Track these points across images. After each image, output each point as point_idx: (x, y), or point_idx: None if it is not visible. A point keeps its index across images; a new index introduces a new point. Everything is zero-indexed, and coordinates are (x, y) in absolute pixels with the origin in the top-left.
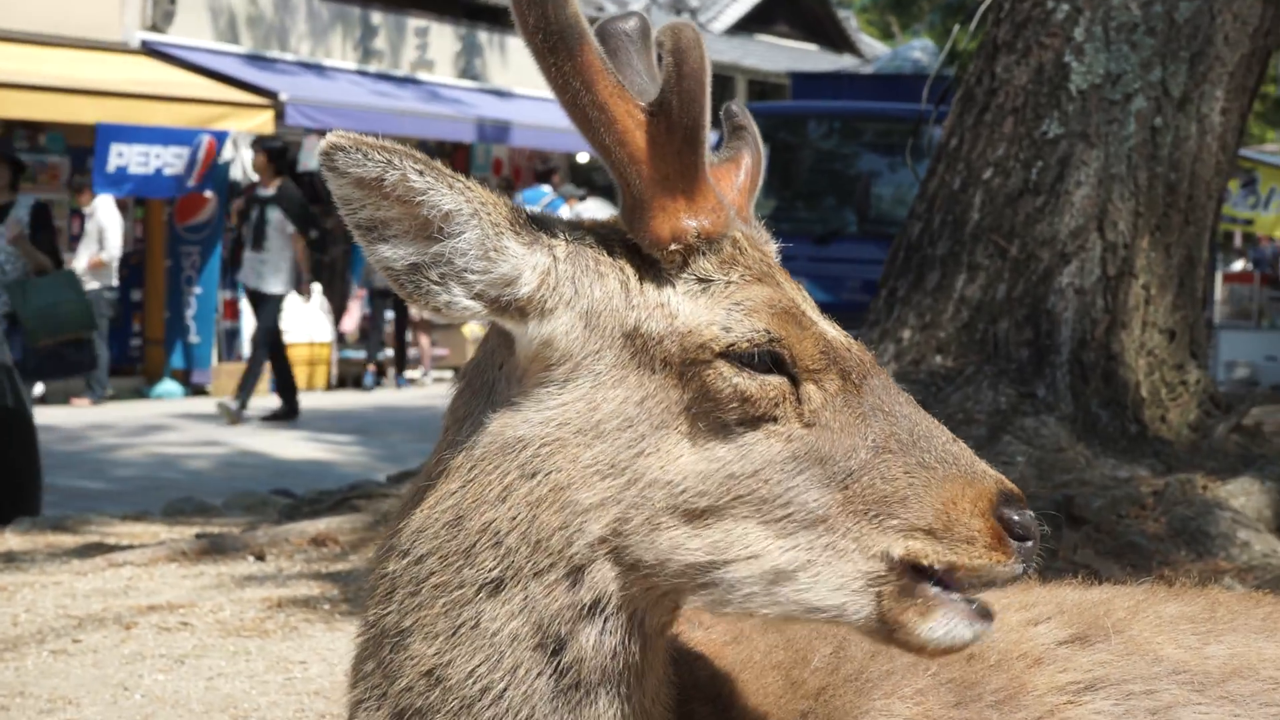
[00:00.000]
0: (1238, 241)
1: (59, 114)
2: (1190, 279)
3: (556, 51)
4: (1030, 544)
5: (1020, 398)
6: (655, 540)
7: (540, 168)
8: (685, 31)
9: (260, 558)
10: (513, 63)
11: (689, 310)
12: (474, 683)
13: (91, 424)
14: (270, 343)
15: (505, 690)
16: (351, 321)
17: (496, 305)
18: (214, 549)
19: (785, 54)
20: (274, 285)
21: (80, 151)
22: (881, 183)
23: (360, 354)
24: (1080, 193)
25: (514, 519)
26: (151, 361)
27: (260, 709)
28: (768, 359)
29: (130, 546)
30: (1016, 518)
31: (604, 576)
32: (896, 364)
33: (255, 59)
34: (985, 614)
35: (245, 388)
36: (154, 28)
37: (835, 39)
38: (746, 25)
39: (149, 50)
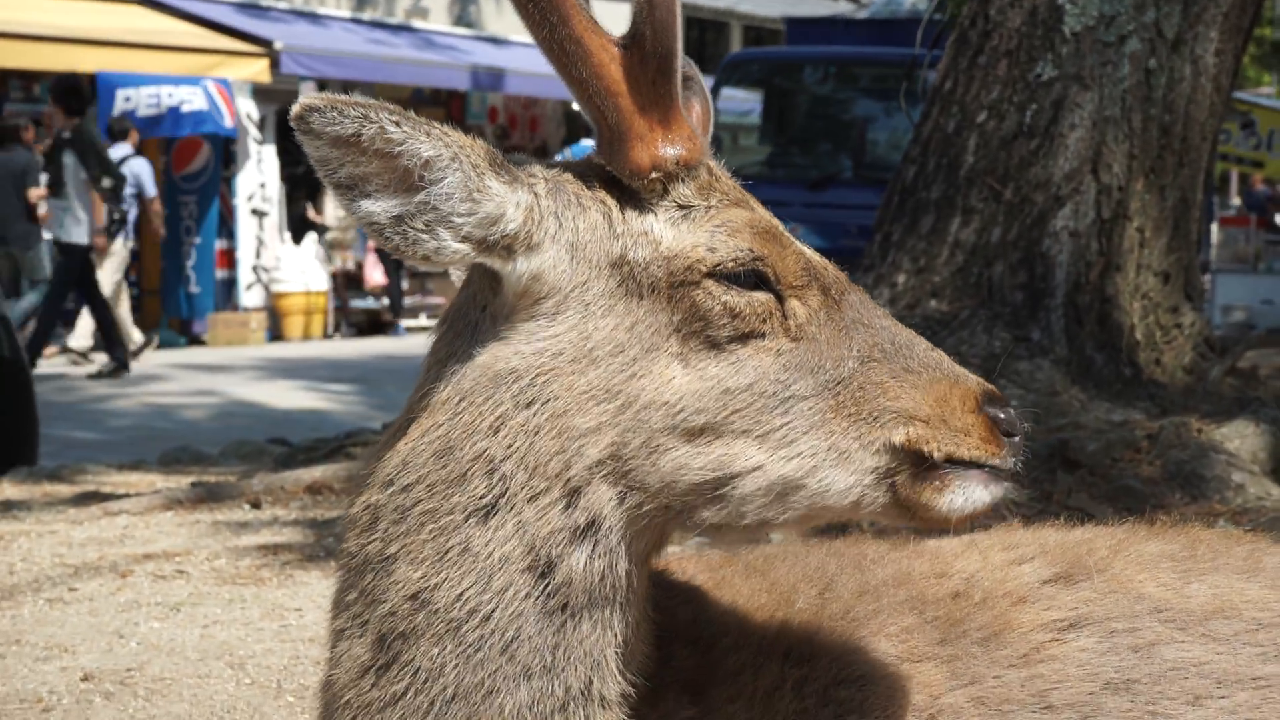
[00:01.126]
0: (1234, 184)
1: (53, 63)
2: (1185, 221)
3: None
4: (1018, 439)
5: (1015, 341)
6: (658, 463)
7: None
8: None
9: (256, 506)
10: (507, 9)
11: (672, 236)
12: (462, 605)
13: (87, 373)
14: (88, 297)
15: (494, 611)
16: (378, 274)
17: (484, 245)
18: (210, 497)
19: None
20: (75, 234)
21: None
22: (877, 127)
23: (368, 303)
24: (1074, 135)
25: (510, 447)
26: (148, 312)
27: (255, 656)
28: (753, 277)
29: (126, 495)
30: (1003, 415)
31: (600, 499)
32: (892, 308)
33: (249, 7)
34: (999, 475)
35: (110, 340)
36: None
37: None
38: None
39: None
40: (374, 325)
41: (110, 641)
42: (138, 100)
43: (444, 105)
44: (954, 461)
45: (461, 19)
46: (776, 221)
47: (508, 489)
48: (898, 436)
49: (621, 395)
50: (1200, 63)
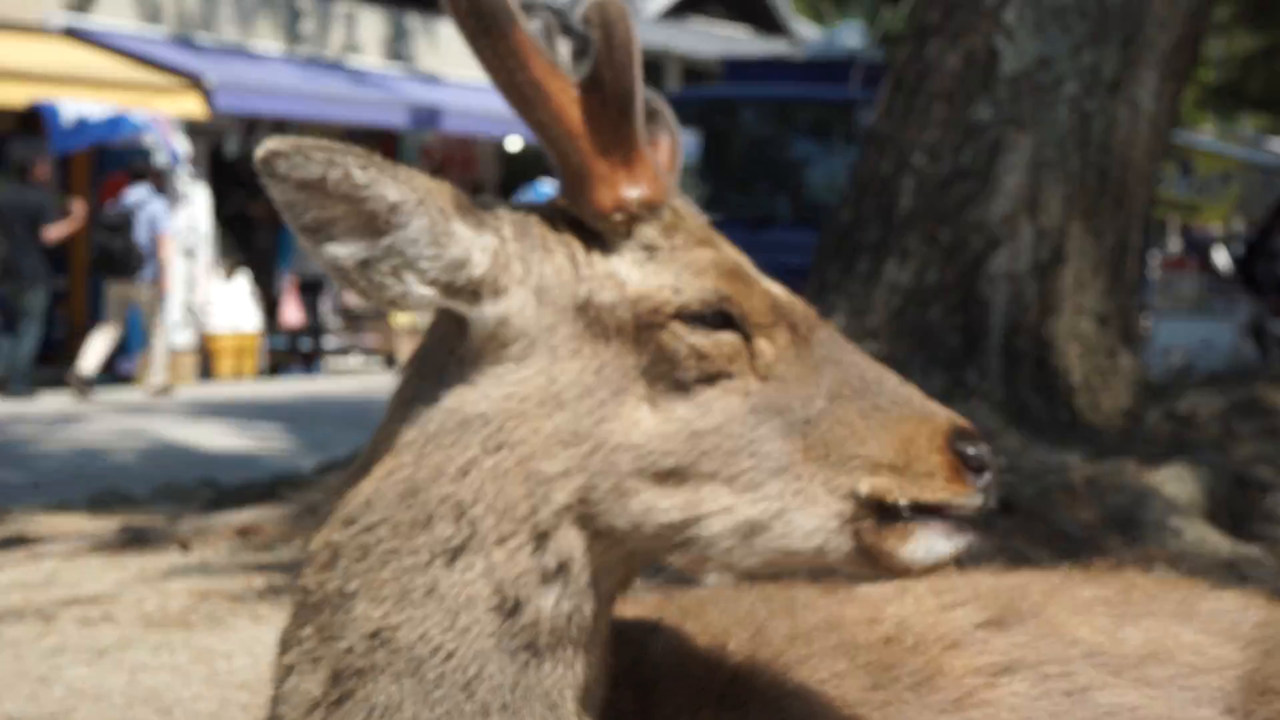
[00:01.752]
0: (1174, 227)
1: None
2: (1122, 265)
3: (490, 33)
4: (988, 475)
5: (952, 384)
6: (627, 506)
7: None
8: (611, 6)
9: (185, 549)
10: (441, 48)
11: (638, 277)
12: (425, 642)
13: (12, 415)
14: None
15: (457, 649)
16: (294, 314)
17: (450, 290)
18: (138, 540)
19: (718, 38)
20: None
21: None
22: (815, 168)
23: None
24: (1011, 178)
25: (478, 491)
26: (75, 350)
27: (183, 702)
28: (720, 317)
29: (53, 538)
30: (972, 451)
31: (569, 542)
32: None
33: (180, 42)
34: (961, 528)
35: None
36: (76, 10)
37: (768, 23)
38: (679, 9)
39: (71, 34)
40: (304, 364)
41: (35, 688)
42: (90, 111)
43: (378, 142)
44: (919, 507)
45: (396, 56)
46: (743, 260)
47: (476, 532)
48: (863, 486)
49: (590, 439)
50: (1138, 105)
